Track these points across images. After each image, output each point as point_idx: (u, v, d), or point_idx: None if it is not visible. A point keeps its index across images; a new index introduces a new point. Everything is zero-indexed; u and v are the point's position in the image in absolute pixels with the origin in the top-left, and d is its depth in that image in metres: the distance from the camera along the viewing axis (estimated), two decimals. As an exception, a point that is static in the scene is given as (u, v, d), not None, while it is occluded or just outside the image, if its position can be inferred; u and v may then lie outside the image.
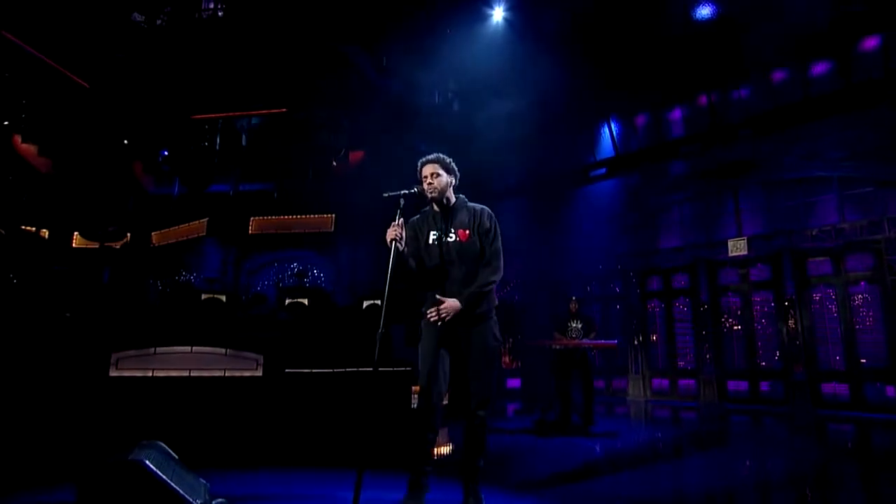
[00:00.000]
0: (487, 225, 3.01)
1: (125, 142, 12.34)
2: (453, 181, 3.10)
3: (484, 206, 3.12)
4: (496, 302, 3.06)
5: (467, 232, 2.99)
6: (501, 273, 2.99)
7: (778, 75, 9.24)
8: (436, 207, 3.10)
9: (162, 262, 12.04)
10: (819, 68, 8.83)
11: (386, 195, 3.01)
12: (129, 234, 10.33)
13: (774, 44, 8.30)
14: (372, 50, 9.72)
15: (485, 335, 2.96)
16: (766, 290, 9.41)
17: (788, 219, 9.29)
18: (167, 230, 13.12)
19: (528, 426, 6.77)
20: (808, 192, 9.20)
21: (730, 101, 9.80)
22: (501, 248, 3.03)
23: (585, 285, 11.57)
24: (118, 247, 9.44)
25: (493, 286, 2.98)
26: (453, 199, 3.10)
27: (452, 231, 3.01)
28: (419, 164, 3.09)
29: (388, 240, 2.85)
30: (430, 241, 3.03)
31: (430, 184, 3.01)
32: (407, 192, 2.97)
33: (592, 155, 11.37)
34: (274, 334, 5.32)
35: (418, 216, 3.18)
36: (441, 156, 3.07)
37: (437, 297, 2.92)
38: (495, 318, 3.05)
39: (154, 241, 13.02)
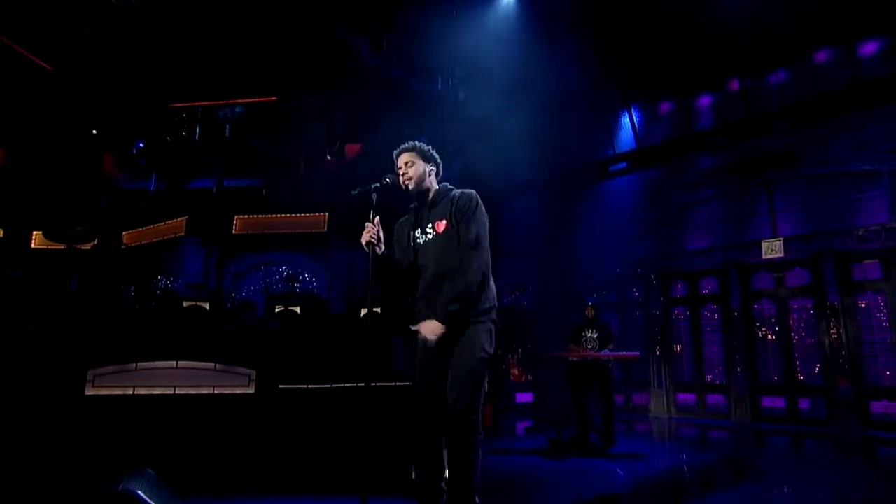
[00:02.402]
0: (466, 207, 2.83)
1: (94, 132, 12.31)
2: (433, 169, 3.01)
3: (466, 190, 2.93)
4: (493, 303, 2.80)
5: (444, 222, 2.84)
6: (480, 274, 2.72)
7: (820, 56, 9.10)
8: (416, 201, 3.02)
9: (136, 265, 12.01)
10: (868, 48, 8.65)
11: (354, 192, 2.92)
12: (98, 235, 10.28)
13: (816, 21, 8.21)
14: (370, 31, 9.70)
15: (468, 345, 2.69)
16: (805, 296, 9.40)
17: (830, 218, 9.25)
18: (141, 230, 13.09)
19: (542, 446, 6.76)
20: (852, 187, 9.17)
21: (765, 87, 9.72)
22: (484, 237, 2.80)
23: (602, 290, 11.57)
24: (88, 248, 9.39)
25: (475, 289, 2.71)
26: (434, 188, 2.99)
27: (430, 225, 2.88)
28: (394, 154, 3.02)
29: (364, 243, 2.77)
30: (409, 241, 2.93)
31: (404, 174, 2.93)
32: (378, 184, 2.88)
33: (611, 147, 11.34)
34: (266, 346, 5.30)
35: (406, 215, 3.09)
36: (417, 143, 3.00)
37: (413, 327, 2.79)
38: (490, 323, 2.77)
39: (126, 242, 12.97)
